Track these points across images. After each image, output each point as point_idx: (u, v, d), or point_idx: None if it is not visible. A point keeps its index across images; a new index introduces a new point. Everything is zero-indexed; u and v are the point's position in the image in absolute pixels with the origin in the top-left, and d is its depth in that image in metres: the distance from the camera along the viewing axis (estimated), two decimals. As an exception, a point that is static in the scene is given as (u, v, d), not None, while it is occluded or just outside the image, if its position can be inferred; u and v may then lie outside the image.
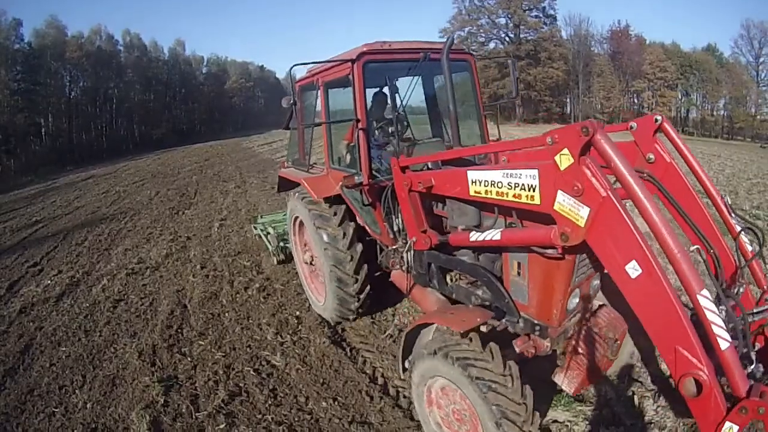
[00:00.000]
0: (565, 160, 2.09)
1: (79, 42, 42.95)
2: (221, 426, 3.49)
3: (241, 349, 4.63)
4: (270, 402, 3.78)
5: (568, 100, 54.02)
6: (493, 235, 2.75)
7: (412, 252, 3.75)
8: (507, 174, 2.45)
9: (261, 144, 30.41)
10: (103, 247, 8.81)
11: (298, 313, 5.37)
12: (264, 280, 6.44)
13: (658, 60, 50.33)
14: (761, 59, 48.46)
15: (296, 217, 5.35)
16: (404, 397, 3.80)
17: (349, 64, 3.97)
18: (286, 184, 5.59)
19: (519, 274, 2.89)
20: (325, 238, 4.41)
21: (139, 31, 55.94)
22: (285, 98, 4.44)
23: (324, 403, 3.74)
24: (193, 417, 3.63)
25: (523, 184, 2.36)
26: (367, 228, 4.44)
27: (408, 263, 3.85)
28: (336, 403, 3.75)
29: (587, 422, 3.29)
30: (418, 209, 3.48)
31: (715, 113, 52.38)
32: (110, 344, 4.89)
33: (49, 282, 6.87)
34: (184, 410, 3.71)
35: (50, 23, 41.08)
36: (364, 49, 4.04)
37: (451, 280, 3.70)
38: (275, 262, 6.81)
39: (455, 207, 3.23)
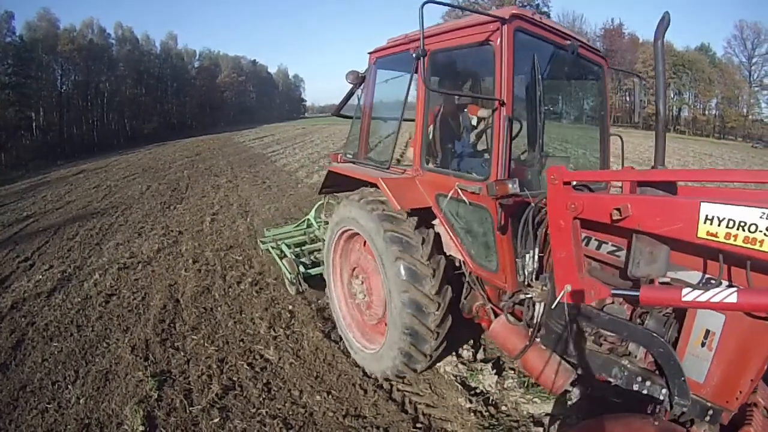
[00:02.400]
0: None
1: (71, 35, 42.68)
2: (215, 420, 3.49)
3: (234, 343, 4.63)
4: (264, 396, 3.79)
5: (560, 97, 54.20)
6: (726, 296, 1.84)
7: (558, 305, 2.57)
8: None
9: (252, 138, 30.29)
10: (94, 242, 8.74)
11: (290, 306, 5.38)
12: (256, 274, 6.44)
13: (651, 59, 50.64)
14: (754, 60, 49.14)
15: (344, 231, 4.12)
16: (398, 390, 3.83)
17: (497, 24, 2.86)
18: (337, 184, 4.39)
19: (704, 344, 2.21)
20: (404, 274, 3.27)
21: (132, 25, 55.50)
22: (351, 72, 3.51)
23: (318, 397, 3.75)
24: (187, 411, 3.63)
25: None
26: (468, 261, 3.33)
27: (538, 318, 2.83)
28: (330, 396, 3.77)
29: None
30: (580, 246, 2.52)
31: (707, 113, 52.95)
32: (103, 339, 4.86)
33: (40, 277, 6.81)
34: (177, 405, 3.71)
35: (42, 16, 40.77)
36: (515, 10, 2.96)
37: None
38: (293, 293, 5.62)
39: (646, 249, 2.27)
